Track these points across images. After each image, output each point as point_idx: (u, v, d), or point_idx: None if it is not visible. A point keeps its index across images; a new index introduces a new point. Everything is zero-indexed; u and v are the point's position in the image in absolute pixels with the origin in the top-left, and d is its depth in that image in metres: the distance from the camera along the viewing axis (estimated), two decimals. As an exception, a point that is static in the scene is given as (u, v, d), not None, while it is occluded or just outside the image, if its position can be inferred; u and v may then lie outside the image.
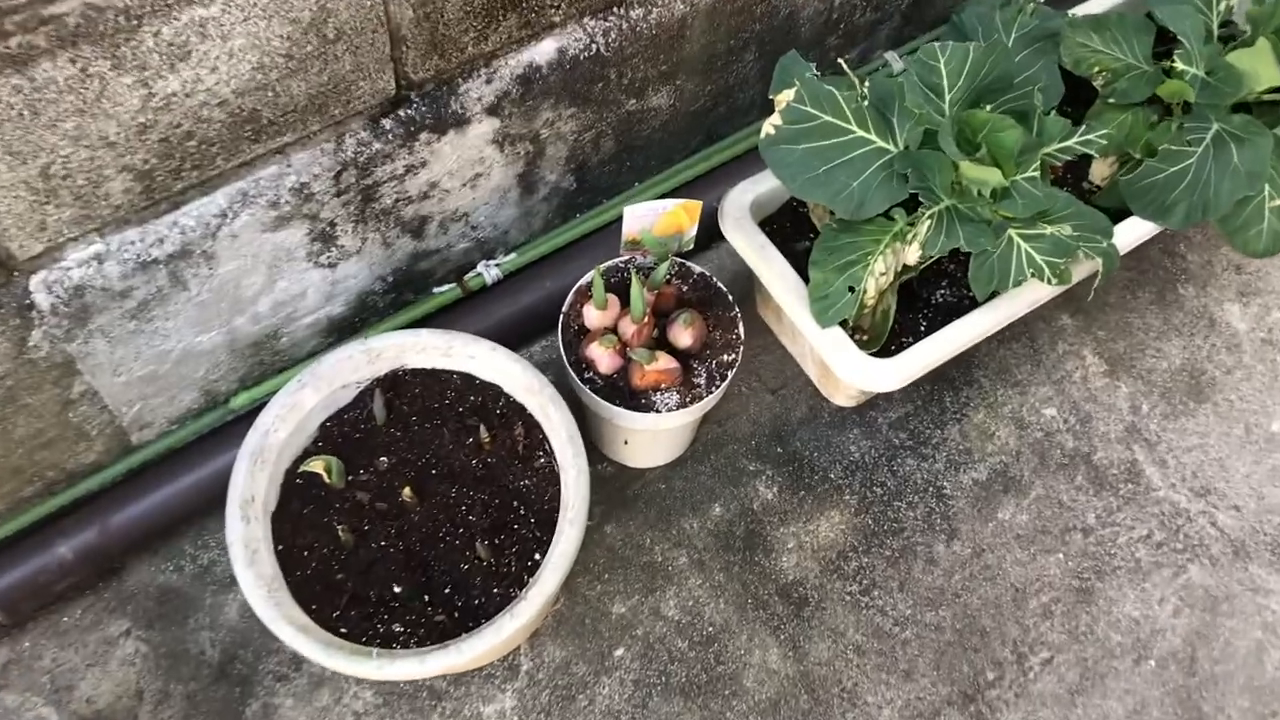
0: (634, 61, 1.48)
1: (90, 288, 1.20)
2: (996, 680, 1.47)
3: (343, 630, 1.27)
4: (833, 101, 1.40)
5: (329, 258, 1.42)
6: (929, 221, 1.41)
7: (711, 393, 1.40)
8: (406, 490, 1.32)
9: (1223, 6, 1.64)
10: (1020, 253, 1.41)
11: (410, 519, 1.33)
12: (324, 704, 1.41)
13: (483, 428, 1.35)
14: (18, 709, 1.38)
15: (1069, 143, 1.46)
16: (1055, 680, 1.47)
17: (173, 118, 1.10)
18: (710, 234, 1.59)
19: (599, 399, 1.38)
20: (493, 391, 1.41)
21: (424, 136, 1.35)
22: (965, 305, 1.52)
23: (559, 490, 1.33)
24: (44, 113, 1.01)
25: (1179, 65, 1.56)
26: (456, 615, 1.29)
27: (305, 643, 1.20)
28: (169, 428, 1.47)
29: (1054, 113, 1.45)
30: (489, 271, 1.60)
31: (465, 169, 1.44)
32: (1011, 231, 1.42)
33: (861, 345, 1.48)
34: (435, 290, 1.60)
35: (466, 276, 1.60)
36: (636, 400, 1.39)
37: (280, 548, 1.32)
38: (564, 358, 1.41)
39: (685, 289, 1.48)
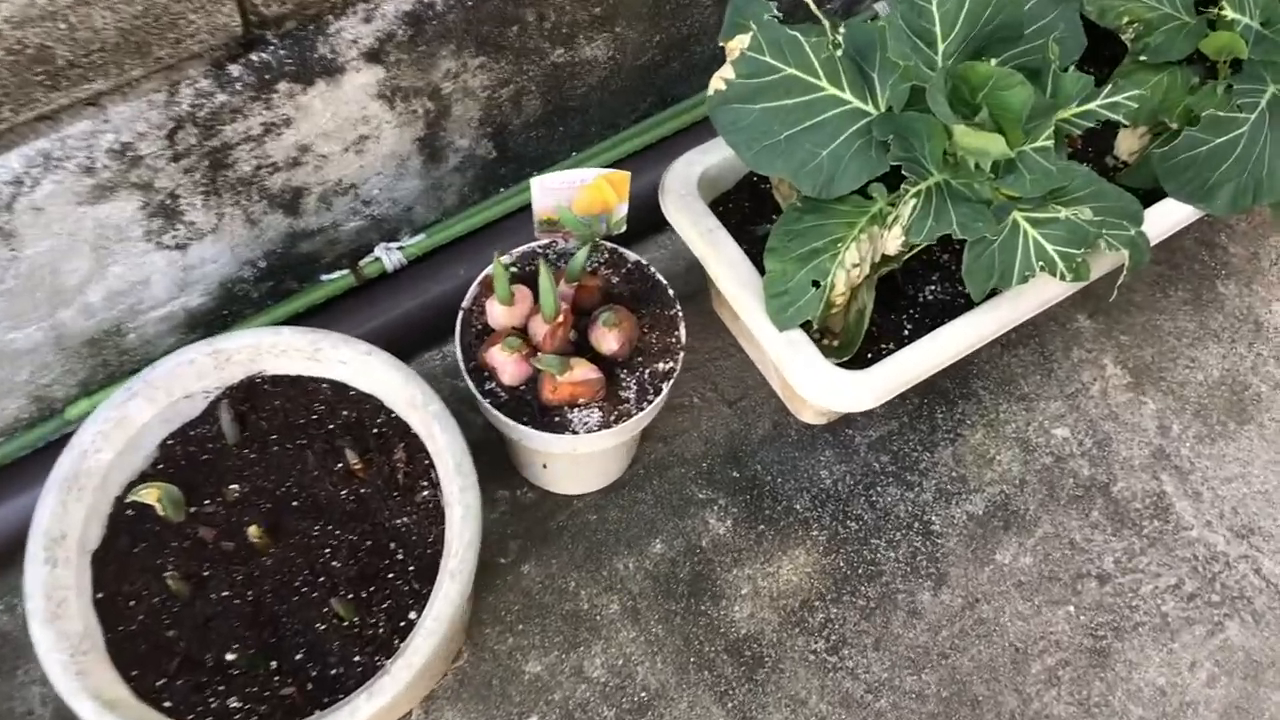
0: (558, 1, 1.21)
1: None
2: (990, 763, 1.21)
3: (166, 704, 1.02)
4: (797, 50, 1.12)
5: (175, 237, 1.15)
6: (914, 201, 1.14)
7: (642, 409, 1.14)
8: (253, 529, 1.05)
9: (1280, -54, 1.36)
10: (1027, 241, 1.13)
11: (261, 563, 1.08)
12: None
13: (349, 451, 1.09)
14: None
15: (1090, 106, 1.18)
16: (1062, 764, 1.21)
17: (-97, 50, 0.84)
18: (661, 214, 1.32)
19: (502, 416, 1.12)
20: (371, 405, 1.14)
21: (284, 87, 1.09)
22: (960, 304, 1.25)
23: (444, 531, 1.07)
24: None
25: (1228, 13, 1.27)
26: (309, 688, 1.03)
27: (109, 725, 0.95)
28: (-12, 442, 1.22)
29: (1072, 69, 1.18)
30: (389, 256, 1.34)
31: (345, 130, 1.18)
32: (1018, 215, 1.14)
33: (830, 351, 1.21)
34: (324, 278, 1.33)
35: (362, 262, 1.34)
36: (548, 418, 1.13)
37: (101, 595, 1.07)
38: (461, 364, 1.14)
39: (616, 281, 1.21)
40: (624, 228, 1.19)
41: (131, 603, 1.07)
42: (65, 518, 1.06)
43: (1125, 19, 1.32)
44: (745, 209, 1.30)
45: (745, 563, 1.30)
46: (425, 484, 1.10)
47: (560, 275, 1.16)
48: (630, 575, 1.29)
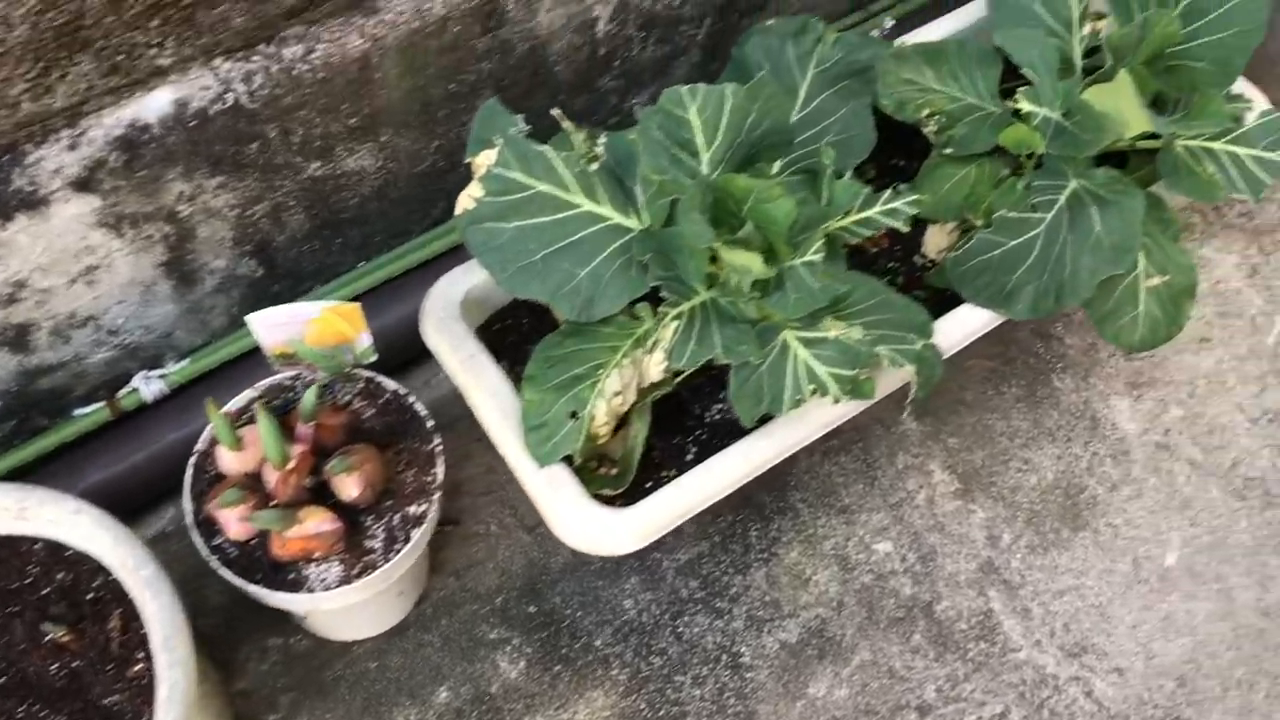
0: (302, 114, 1.12)
1: None
2: None
3: None
4: (547, 166, 1.05)
5: (-126, 386, 1.05)
6: (676, 323, 1.06)
7: (390, 559, 1.04)
8: (-65, 719, 0.94)
9: (1087, 30, 1.30)
10: (798, 363, 1.05)
11: (-45, 753, 0.96)
12: None
13: (50, 625, 0.98)
14: None
15: (869, 213, 1.11)
16: None
17: None
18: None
19: (231, 576, 1.01)
20: (89, 566, 1.04)
21: (-23, 224, 0.99)
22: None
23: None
24: None
25: (1024, 105, 1.21)
26: None
27: None
28: None
29: (849, 175, 1.10)
30: (148, 386, 1.23)
31: (66, 262, 1.08)
32: (789, 334, 1.06)
33: (607, 481, 1.12)
34: (78, 412, 1.23)
35: (120, 393, 1.24)
36: (282, 575, 1.02)
37: None
38: (190, 516, 1.04)
39: (372, 414, 1.12)
40: (374, 356, 1.09)
41: None
42: None
43: (926, 111, 1.25)
44: (523, 327, 1.22)
45: (538, 709, 1.20)
46: (141, 655, 0.99)
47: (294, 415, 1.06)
48: (411, 728, 1.19)
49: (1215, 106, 1.16)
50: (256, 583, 1.01)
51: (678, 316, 1.06)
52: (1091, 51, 1.31)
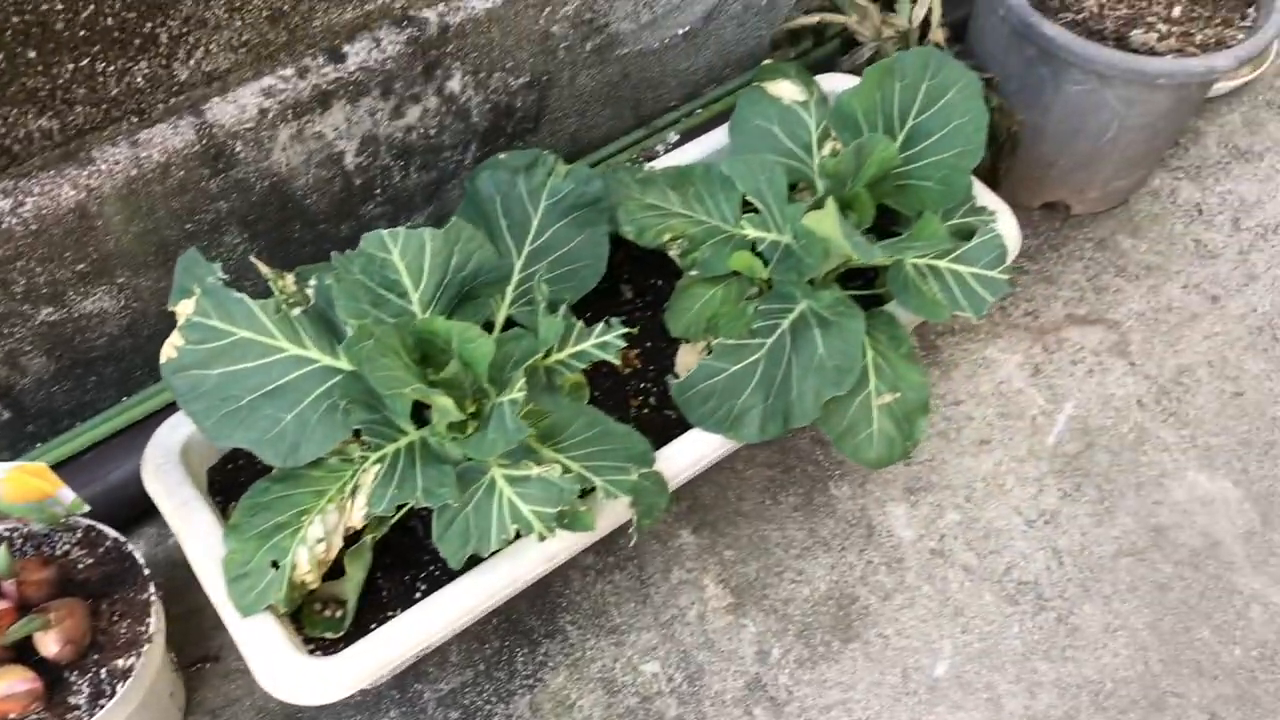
0: (20, 265, 1.13)
1: None
2: None
3: None
4: (246, 312, 1.06)
5: None
6: (377, 466, 1.06)
7: (95, 715, 1.02)
8: None
9: (827, 150, 1.33)
10: (503, 501, 1.05)
11: None
12: None
13: None
14: None
15: (583, 346, 1.12)
16: None
17: None
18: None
19: (-78, 740, 0.99)
20: None
21: None
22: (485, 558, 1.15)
23: None
24: None
25: (749, 231, 1.24)
26: None
27: None
28: None
29: (563, 310, 1.12)
30: (-112, 535, 1.22)
31: None
32: (497, 472, 1.06)
33: (332, 625, 1.11)
34: None
35: None
36: (-24, 738, 1.01)
37: None
38: (-114, 680, 1.02)
39: (90, 564, 1.11)
40: (84, 508, 1.09)
41: None
42: None
43: (667, 236, 1.28)
44: (257, 465, 1.21)
45: None
46: None
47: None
48: None
49: (932, 228, 1.18)
50: (-51, 748, 1.00)
51: (380, 460, 1.06)
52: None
